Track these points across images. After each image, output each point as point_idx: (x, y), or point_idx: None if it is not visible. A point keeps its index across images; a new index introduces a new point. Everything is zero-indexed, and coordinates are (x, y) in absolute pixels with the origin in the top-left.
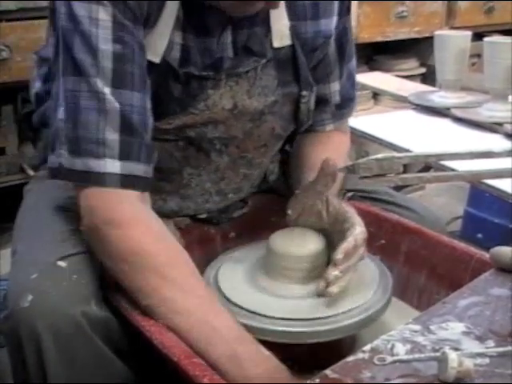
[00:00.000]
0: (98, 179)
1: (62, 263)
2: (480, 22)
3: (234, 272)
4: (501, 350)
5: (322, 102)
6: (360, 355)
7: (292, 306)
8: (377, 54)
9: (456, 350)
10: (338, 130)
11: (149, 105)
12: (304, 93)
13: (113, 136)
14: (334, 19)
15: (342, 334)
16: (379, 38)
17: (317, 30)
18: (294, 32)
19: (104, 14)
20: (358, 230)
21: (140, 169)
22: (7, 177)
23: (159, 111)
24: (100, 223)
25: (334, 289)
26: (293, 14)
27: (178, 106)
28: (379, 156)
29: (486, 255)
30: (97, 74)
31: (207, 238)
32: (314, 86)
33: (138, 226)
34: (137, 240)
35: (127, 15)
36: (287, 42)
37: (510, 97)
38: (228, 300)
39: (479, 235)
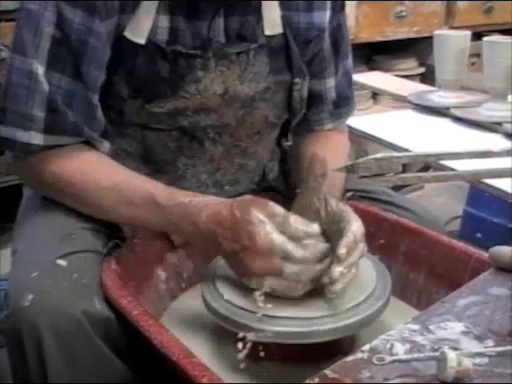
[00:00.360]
0: (23, 147)
1: (62, 262)
2: (479, 22)
3: (232, 273)
4: (500, 349)
5: (318, 98)
6: (359, 355)
7: (291, 306)
8: (376, 54)
9: (455, 349)
10: (336, 130)
11: (79, 89)
12: (297, 80)
13: (40, 113)
14: (328, 13)
15: (341, 333)
16: (378, 38)
17: (310, 22)
18: (286, 21)
19: None
20: (355, 226)
21: (64, 140)
22: (7, 177)
23: (149, 93)
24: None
25: (338, 286)
26: (285, 5)
27: (168, 88)
28: (378, 156)
29: (485, 255)
30: (35, 53)
31: None
32: (306, 74)
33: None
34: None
35: (79, 4)
36: (279, 30)
37: (509, 96)
38: (226, 300)
39: (478, 235)
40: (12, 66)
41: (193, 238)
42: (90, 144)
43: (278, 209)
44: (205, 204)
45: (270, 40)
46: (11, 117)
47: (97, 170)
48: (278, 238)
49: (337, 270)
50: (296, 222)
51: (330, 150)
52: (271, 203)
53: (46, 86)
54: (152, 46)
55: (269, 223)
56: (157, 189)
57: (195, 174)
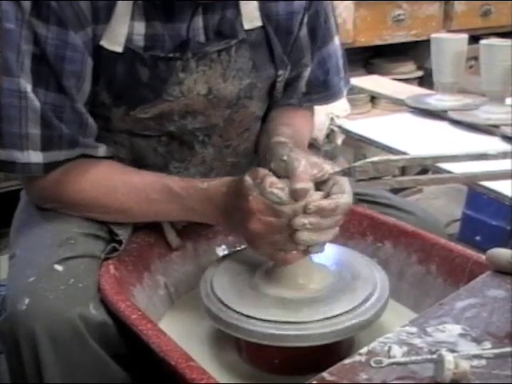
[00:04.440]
0: (23, 169)
1: (58, 267)
2: (476, 25)
3: (230, 277)
4: (497, 351)
5: (290, 86)
6: (357, 358)
7: (289, 309)
8: (374, 58)
9: (453, 351)
10: (304, 109)
11: (67, 101)
12: (280, 72)
13: (35, 131)
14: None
15: (340, 336)
16: (376, 42)
17: (289, 11)
18: (265, 13)
19: (27, 15)
20: (344, 198)
21: (62, 154)
22: (5, 182)
23: (131, 99)
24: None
25: (301, 236)
26: None
27: (150, 92)
28: (375, 159)
29: (483, 257)
30: (20, 72)
31: (205, 240)
32: (288, 64)
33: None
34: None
35: (52, 18)
36: (258, 23)
37: (506, 99)
38: (224, 304)
39: (477, 237)
40: (1, 88)
41: (215, 220)
42: (87, 155)
43: (262, 172)
44: (221, 183)
45: (249, 34)
46: (7, 139)
47: (111, 179)
48: (269, 195)
49: (301, 220)
50: (272, 185)
51: (292, 129)
52: (259, 169)
53: (36, 103)
54: (130, 53)
55: (262, 182)
56: (173, 181)
57: (188, 176)
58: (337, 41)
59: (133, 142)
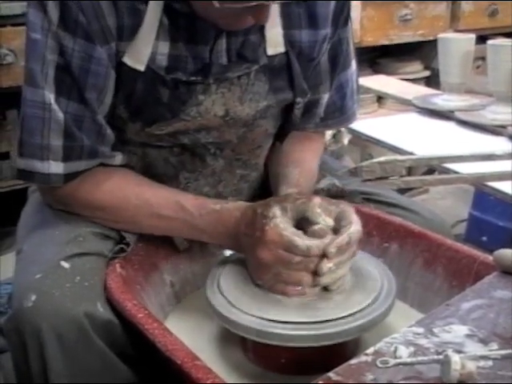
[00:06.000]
0: (44, 179)
1: (65, 264)
2: (484, 25)
3: (236, 276)
4: (504, 352)
5: (307, 111)
6: (363, 358)
7: (295, 309)
8: (381, 57)
9: (459, 352)
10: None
11: (87, 113)
12: (298, 99)
13: (57, 142)
14: (329, 30)
15: (346, 337)
16: (383, 41)
17: (312, 40)
18: (288, 40)
19: (54, 27)
20: (354, 228)
21: (82, 164)
22: (12, 181)
23: (149, 116)
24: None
25: (325, 279)
26: (287, 23)
27: (168, 112)
28: (382, 159)
29: (490, 258)
30: (44, 83)
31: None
32: (308, 92)
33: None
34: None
35: (79, 32)
36: (281, 49)
37: None
38: (231, 304)
39: (484, 238)
40: (25, 98)
41: (224, 242)
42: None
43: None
44: (235, 208)
45: (271, 60)
46: (28, 149)
47: (124, 189)
48: (285, 231)
49: (326, 265)
50: (316, 205)
51: (310, 152)
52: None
53: (60, 114)
54: (151, 73)
55: (280, 217)
56: (186, 199)
57: (197, 186)
58: (354, 64)
59: (145, 152)
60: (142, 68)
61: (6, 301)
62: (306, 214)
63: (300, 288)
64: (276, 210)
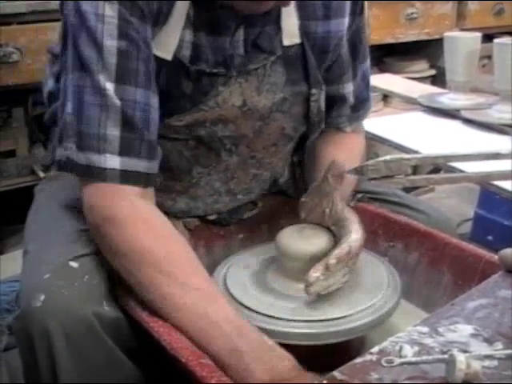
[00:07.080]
0: (100, 174)
1: (73, 264)
2: (490, 24)
3: (243, 273)
4: (509, 352)
5: (336, 103)
6: (368, 357)
7: (301, 308)
8: (387, 56)
9: (464, 352)
10: (354, 132)
11: (153, 101)
12: (313, 91)
13: (114, 132)
14: (346, 20)
15: (351, 335)
16: (389, 40)
17: (326, 31)
18: (304, 31)
19: (110, 10)
20: (354, 238)
21: (140, 165)
22: (18, 179)
23: (170, 108)
24: (100, 221)
25: (313, 288)
26: (303, 14)
27: (189, 103)
28: (387, 157)
29: (495, 257)
30: (101, 69)
31: (216, 239)
32: (323, 84)
33: (136, 224)
34: (135, 237)
35: (134, 12)
36: (296, 40)
37: None
38: (237, 302)
39: (489, 237)
40: (78, 85)
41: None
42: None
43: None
44: (288, 358)
45: (287, 50)
46: (86, 140)
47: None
48: None
49: (313, 275)
50: None
51: (346, 151)
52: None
53: (117, 101)
54: (177, 63)
55: None
56: (243, 322)
57: (209, 182)
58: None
59: (160, 144)
60: (169, 57)
61: (11, 298)
62: None
63: None
64: None
